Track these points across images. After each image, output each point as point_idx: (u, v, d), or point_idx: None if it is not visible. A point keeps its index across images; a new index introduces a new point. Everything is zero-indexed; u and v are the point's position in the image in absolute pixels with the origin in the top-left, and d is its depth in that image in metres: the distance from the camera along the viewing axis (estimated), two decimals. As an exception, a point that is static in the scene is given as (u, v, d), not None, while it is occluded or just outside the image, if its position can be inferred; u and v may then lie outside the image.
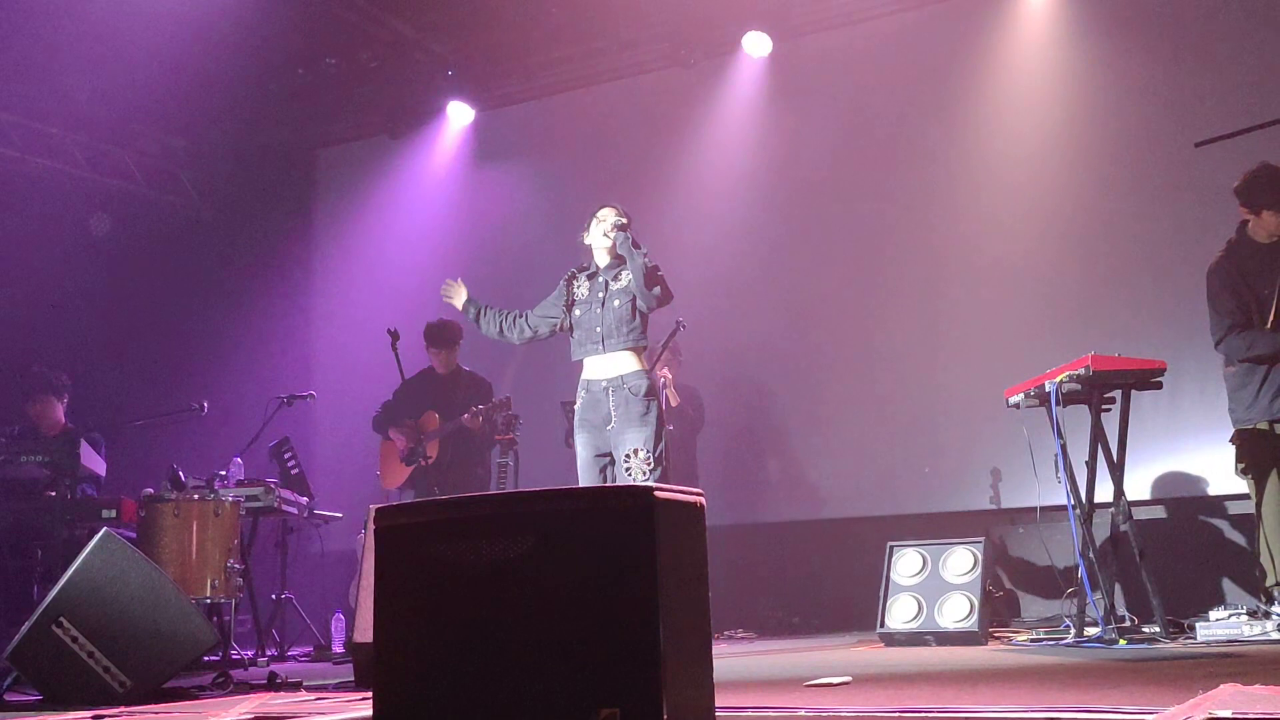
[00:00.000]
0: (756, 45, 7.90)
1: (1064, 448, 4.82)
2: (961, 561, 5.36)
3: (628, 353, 4.94)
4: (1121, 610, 4.90)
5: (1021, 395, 5.09)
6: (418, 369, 6.76)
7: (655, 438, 4.82)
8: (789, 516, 7.53)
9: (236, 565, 5.66)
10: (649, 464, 4.76)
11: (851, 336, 7.49)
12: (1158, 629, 4.72)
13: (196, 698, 3.95)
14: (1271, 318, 4.79)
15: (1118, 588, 4.95)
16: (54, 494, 6.03)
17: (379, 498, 6.76)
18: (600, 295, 5.03)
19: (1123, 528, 4.93)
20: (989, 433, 6.66)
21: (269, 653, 6.31)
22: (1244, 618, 4.53)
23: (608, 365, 4.94)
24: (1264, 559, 4.85)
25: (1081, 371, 4.74)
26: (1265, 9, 6.58)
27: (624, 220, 5.02)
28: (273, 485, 6.30)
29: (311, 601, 7.14)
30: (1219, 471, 5.41)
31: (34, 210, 8.34)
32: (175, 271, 9.20)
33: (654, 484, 2.44)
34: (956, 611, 5.22)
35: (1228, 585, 6.12)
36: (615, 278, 5.05)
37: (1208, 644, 4.41)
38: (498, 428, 6.31)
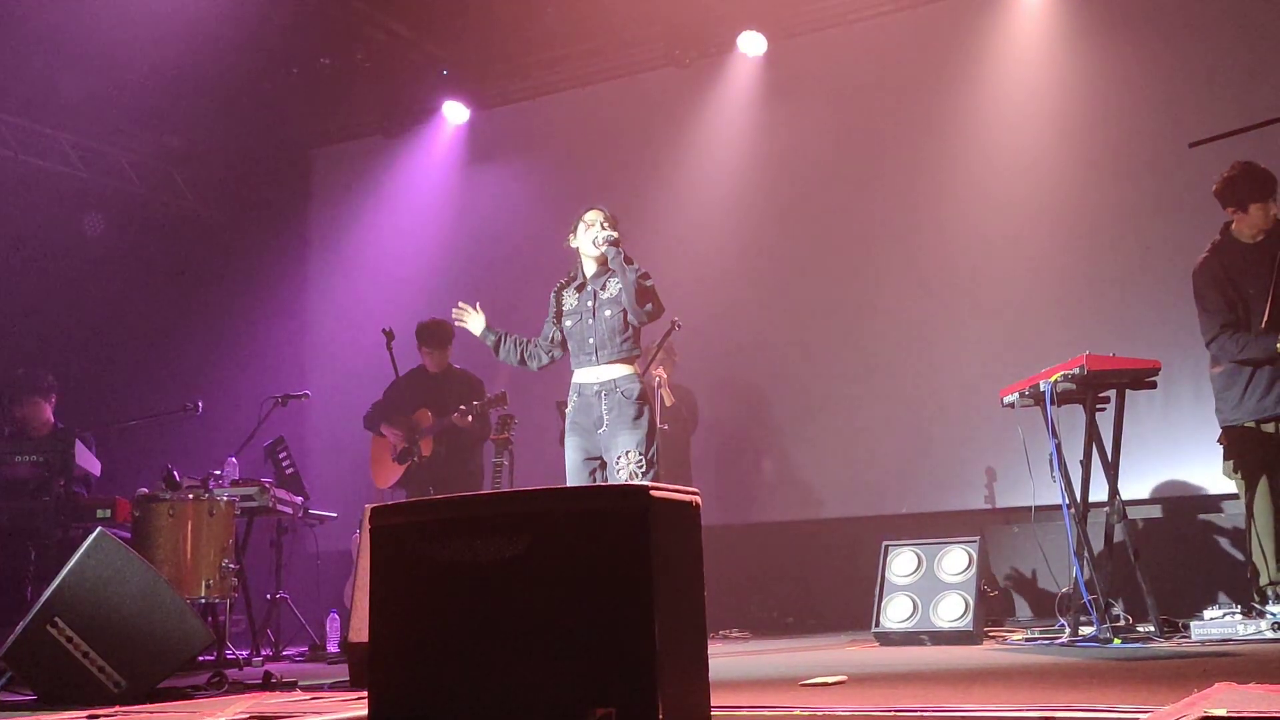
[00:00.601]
0: (751, 45, 7.93)
1: (1059, 447, 4.81)
2: (956, 561, 5.37)
3: (621, 364, 4.86)
4: (1116, 609, 4.89)
5: (1016, 395, 5.09)
6: (410, 368, 6.75)
7: (647, 441, 4.78)
8: (784, 516, 7.54)
9: (231, 565, 5.65)
10: (641, 466, 4.74)
11: (846, 336, 7.49)
12: (1152, 628, 4.73)
13: (191, 698, 3.94)
14: (1265, 319, 4.79)
15: (1112, 587, 4.95)
16: (47, 495, 6.01)
17: (374, 497, 6.75)
18: (590, 305, 4.90)
19: (1117, 527, 4.94)
20: (984, 432, 6.68)
21: (264, 652, 6.29)
22: (1238, 617, 4.54)
23: (601, 373, 4.87)
24: (1255, 558, 4.87)
25: (1076, 371, 4.74)
26: (1258, 10, 6.60)
27: (614, 235, 4.81)
28: (268, 485, 6.29)
29: (306, 601, 7.12)
30: (1213, 471, 5.42)
31: (27, 210, 8.31)
32: (169, 271, 9.18)
33: (649, 483, 2.44)
34: (951, 611, 5.22)
35: (1222, 584, 6.13)
36: (603, 287, 4.91)
37: (1202, 643, 4.42)
38: (491, 426, 6.29)
